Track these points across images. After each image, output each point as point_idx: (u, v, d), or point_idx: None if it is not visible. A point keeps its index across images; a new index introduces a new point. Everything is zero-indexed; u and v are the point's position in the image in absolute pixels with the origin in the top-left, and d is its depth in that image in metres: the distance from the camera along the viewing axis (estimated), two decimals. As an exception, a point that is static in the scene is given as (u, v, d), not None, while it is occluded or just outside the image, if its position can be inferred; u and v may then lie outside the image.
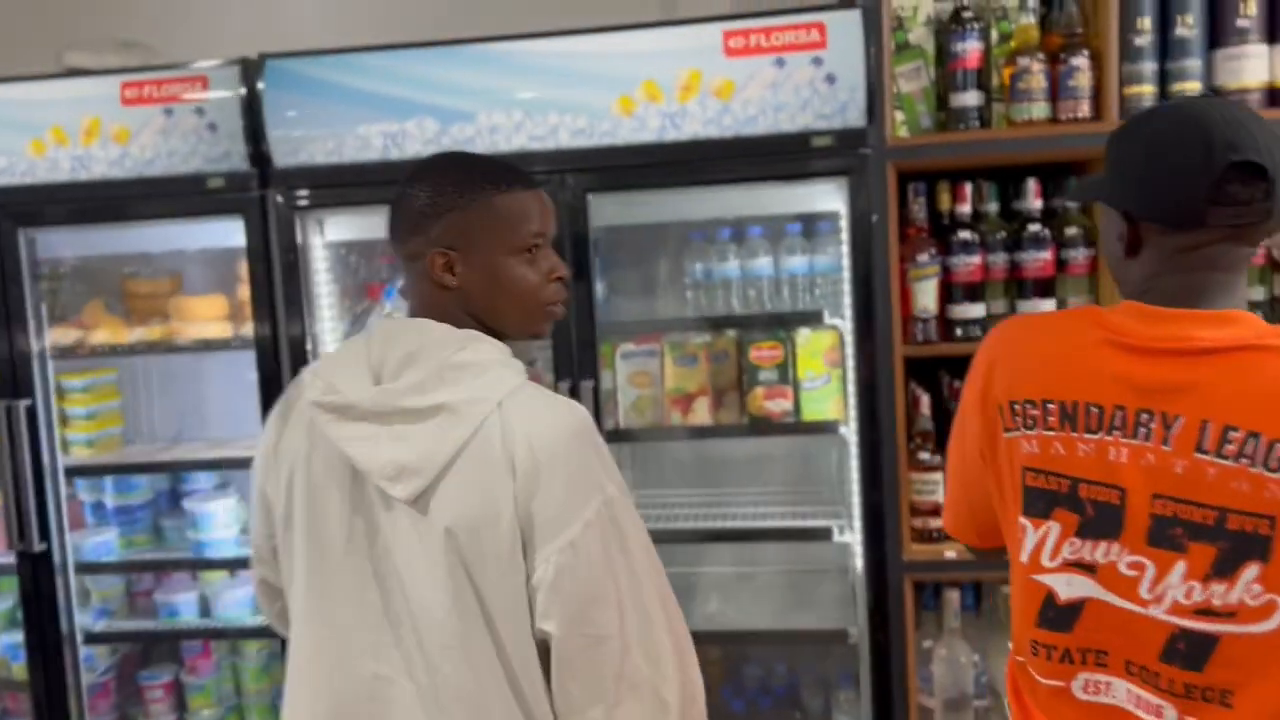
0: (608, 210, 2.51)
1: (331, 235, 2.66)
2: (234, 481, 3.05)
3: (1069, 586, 1.25)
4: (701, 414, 2.60)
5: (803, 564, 3.02)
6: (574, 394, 2.46)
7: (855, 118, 2.30)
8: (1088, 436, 1.22)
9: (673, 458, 3.01)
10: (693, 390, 2.60)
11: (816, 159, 2.34)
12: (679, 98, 2.35)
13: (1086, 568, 1.24)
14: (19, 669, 2.89)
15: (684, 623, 1.31)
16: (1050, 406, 1.25)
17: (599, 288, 2.65)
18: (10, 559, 2.78)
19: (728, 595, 2.90)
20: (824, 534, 2.59)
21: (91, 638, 2.85)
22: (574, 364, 2.48)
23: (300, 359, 2.57)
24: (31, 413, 2.67)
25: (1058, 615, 1.27)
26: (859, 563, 2.53)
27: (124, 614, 3.04)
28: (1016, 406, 1.29)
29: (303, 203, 2.53)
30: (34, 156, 2.58)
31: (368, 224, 2.70)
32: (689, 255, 2.71)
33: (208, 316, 2.85)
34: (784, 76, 2.31)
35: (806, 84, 2.30)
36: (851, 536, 2.58)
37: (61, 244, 2.79)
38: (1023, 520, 1.29)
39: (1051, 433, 1.25)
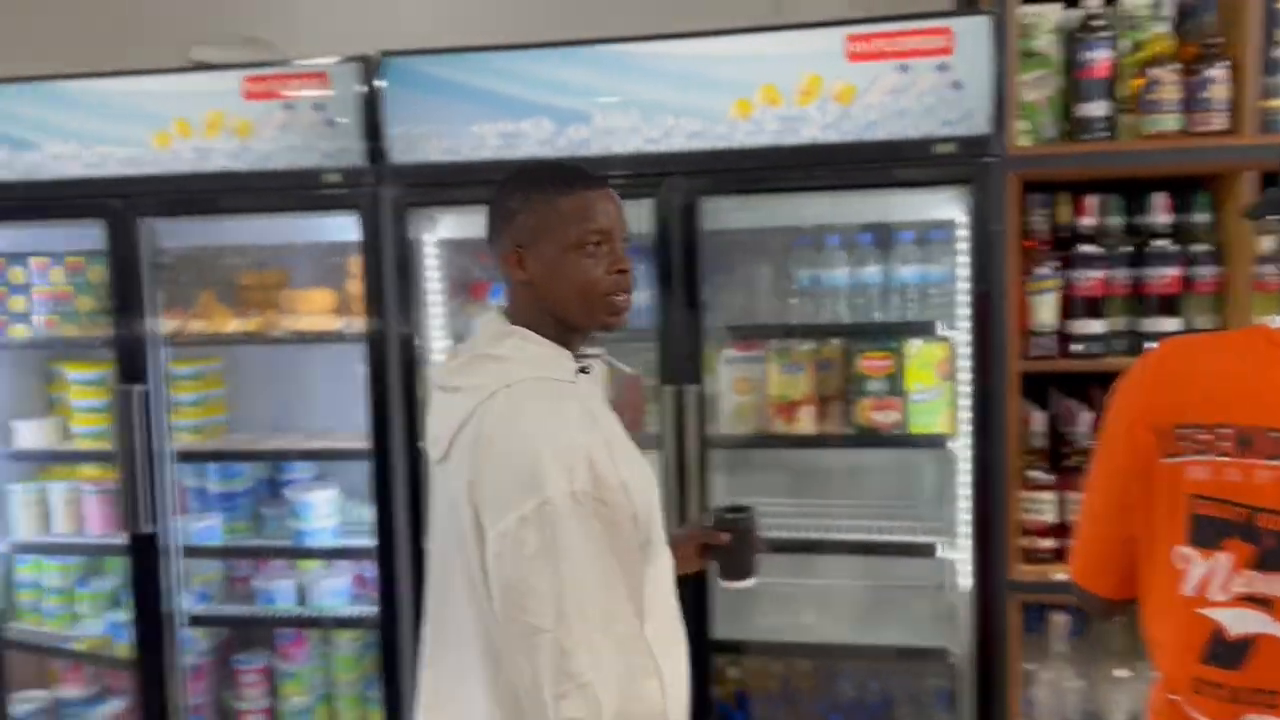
0: (713, 214, 2.49)
1: (443, 233, 2.69)
2: (334, 473, 3.09)
3: (1240, 622, 1.19)
4: (806, 423, 2.57)
5: (895, 579, 2.96)
6: (678, 399, 2.45)
7: (980, 125, 2.25)
8: (1268, 463, 1.16)
9: (772, 465, 2.98)
10: (797, 398, 2.57)
11: (938, 166, 2.30)
12: (798, 102, 2.33)
13: (1261, 602, 1.18)
14: (122, 647, 2.96)
15: (639, 642, 1.33)
16: (1224, 431, 1.19)
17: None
18: (116, 540, 2.86)
19: (819, 608, 2.86)
20: (927, 550, 2.53)
21: (193, 620, 2.92)
22: (678, 368, 2.47)
23: (409, 354, 2.59)
24: (146, 398, 2.74)
25: (1226, 652, 1.21)
26: (962, 581, 2.47)
27: (222, 598, 3.10)
28: (1182, 431, 1.23)
29: (415, 200, 2.56)
30: (158, 148, 2.64)
31: (479, 223, 2.71)
32: (795, 261, 2.68)
33: (315, 310, 2.89)
34: (908, 82, 2.27)
35: (931, 90, 2.26)
36: (954, 554, 2.52)
37: (179, 234, 2.85)
38: (1187, 550, 1.23)
39: (1225, 458, 1.19)
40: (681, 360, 2.47)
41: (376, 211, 2.59)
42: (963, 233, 2.39)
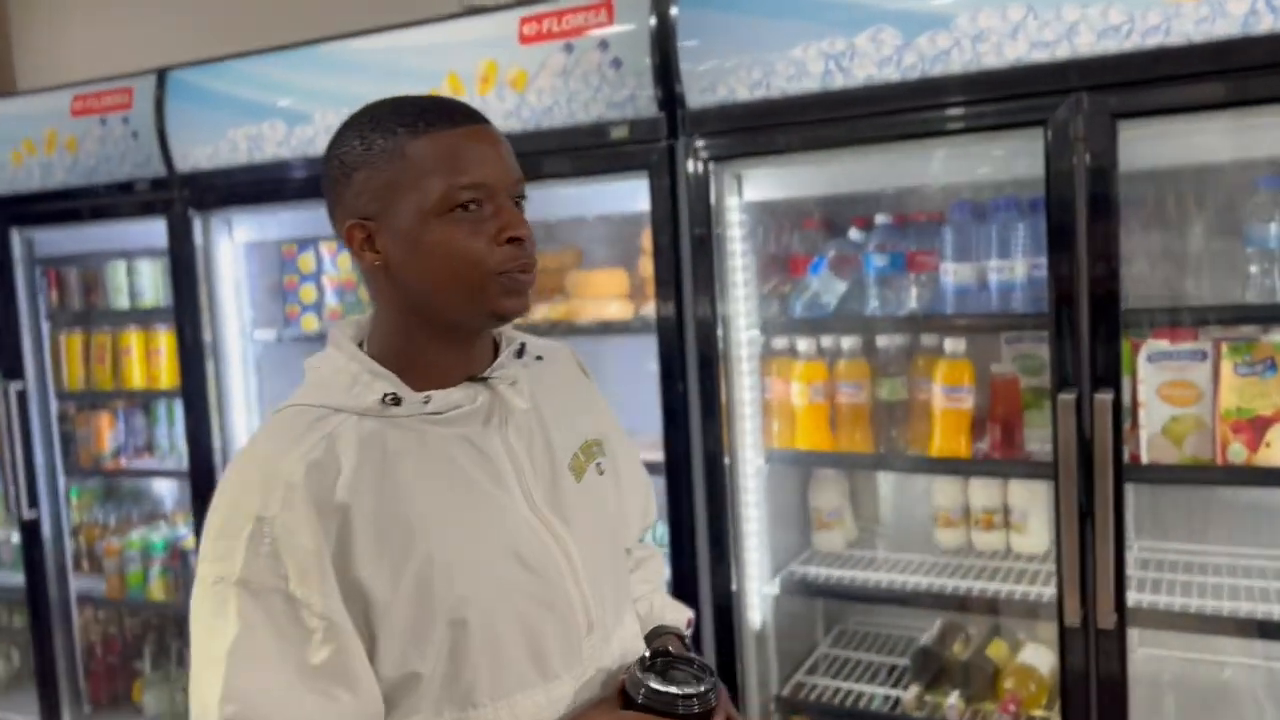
0: (1129, 146, 1.74)
1: (751, 194, 2.13)
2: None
3: None
4: (1278, 449, 1.74)
5: None
6: (1079, 408, 1.73)
7: None
8: None
9: (1222, 507, 2.14)
10: (1267, 413, 1.75)
11: None
12: (1288, -38, 1.53)
13: None
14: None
15: None
16: None
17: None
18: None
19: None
20: None
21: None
22: (1081, 365, 1.75)
23: (708, 347, 2.07)
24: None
25: None
26: None
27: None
28: None
29: (718, 152, 2.02)
30: (430, 111, 2.30)
31: (796, 178, 2.13)
32: (1257, 211, 1.85)
33: (605, 294, 2.45)
34: None
35: None
36: None
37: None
38: None
39: None
40: (1085, 355, 1.74)
41: (670, 170, 2.08)
42: None
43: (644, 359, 2.27)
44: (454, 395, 1.07)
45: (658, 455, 2.18)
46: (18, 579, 3.11)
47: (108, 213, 2.79)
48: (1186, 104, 1.66)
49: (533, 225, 2.76)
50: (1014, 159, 1.89)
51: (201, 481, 2.77)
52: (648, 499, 1.36)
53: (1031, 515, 2.18)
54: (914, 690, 2.10)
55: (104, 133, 2.73)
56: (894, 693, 2.15)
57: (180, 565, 3.03)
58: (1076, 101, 1.70)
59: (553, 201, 2.50)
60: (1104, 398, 1.71)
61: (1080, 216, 1.72)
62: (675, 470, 2.15)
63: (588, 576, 1.11)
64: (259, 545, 0.96)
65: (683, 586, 2.17)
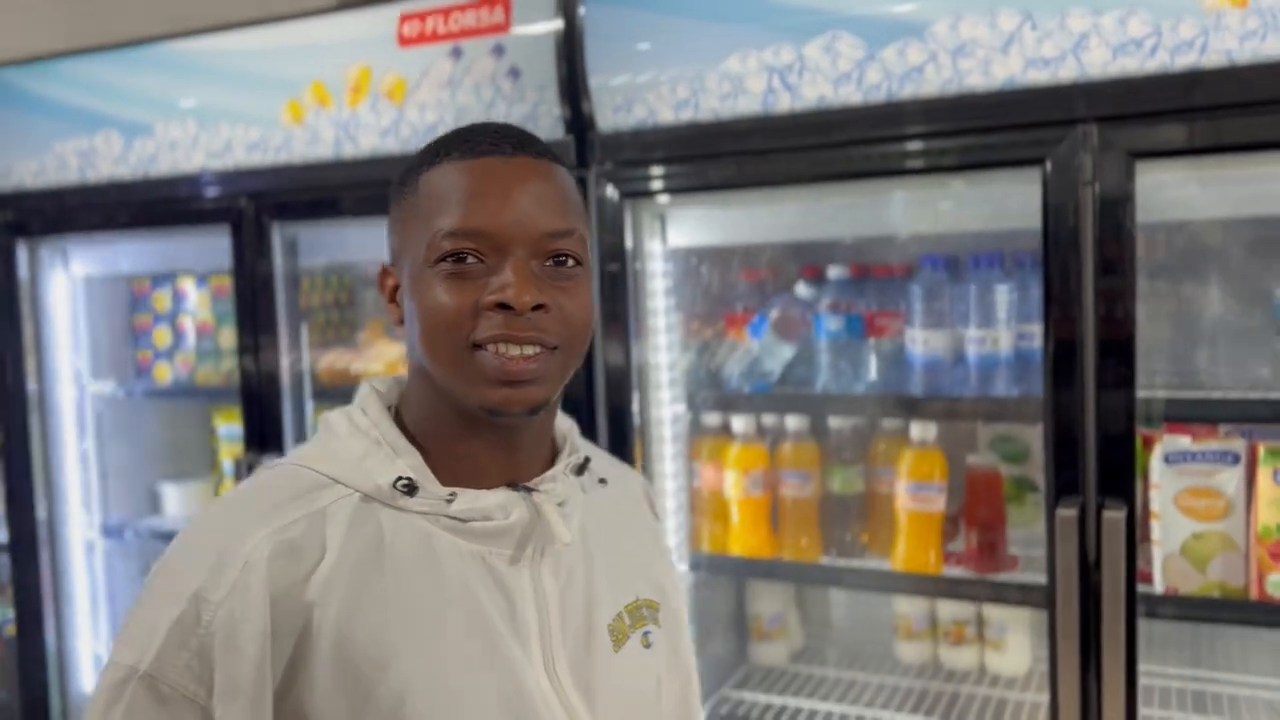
0: (1147, 195, 1.38)
1: (677, 238, 1.74)
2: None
3: None
4: (1332, 579, 1.38)
5: None
6: (1083, 525, 1.36)
7: None
8: None
9: (1263, 649, 1.78)
10: (1316, 533, 1.39)
11: None
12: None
13: None
14: None
15: None
16: None
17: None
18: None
19: None
20: None
21: None
22: (1086, 469, 1.37)
23: (620, 394, 1.66)
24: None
25: None
26: None
27: None
28: None
29: (633, 187, 1.63)
30: (291, 125, 1.89)
31: (733, 220, 1.74)
32: (1295, 278, 1.50)
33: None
34: None
35: None
36: None
37: (323, 246, 2.09)
38: None
39: None
40: (1091, 456, 1.37)
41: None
42: None
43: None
44: (487, 501, 0.84)
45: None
46: None
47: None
48: (1231, 142, 1.30)
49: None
50: (1002, 204, 1.52)
51: (24, 557, 2.32)
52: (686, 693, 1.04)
53: (1011, 630, 1.81)
54: None
55: (-88, 142, 2.27)
56: None
57: (7, 653, 2.55)
58: (1084, 136, 1.33)
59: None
60: (1115, 515, 1.33)
61: (1085, 280, 1.35)
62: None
63: None
64: (187, 635, 0.75)
65: None
